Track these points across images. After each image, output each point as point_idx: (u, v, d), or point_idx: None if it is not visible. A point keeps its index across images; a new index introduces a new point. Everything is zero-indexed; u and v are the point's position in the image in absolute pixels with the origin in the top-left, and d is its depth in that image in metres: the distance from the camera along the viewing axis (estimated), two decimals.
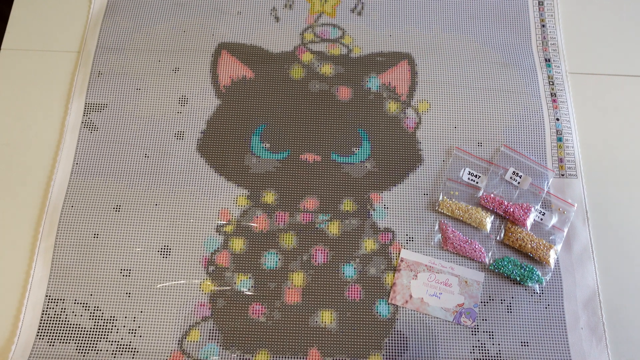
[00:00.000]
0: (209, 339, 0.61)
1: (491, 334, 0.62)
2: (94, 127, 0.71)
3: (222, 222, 0.66)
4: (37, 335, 0.60)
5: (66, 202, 0.67)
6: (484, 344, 0.61)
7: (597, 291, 0.64)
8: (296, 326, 0.62)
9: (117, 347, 0.60)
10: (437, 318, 0.62)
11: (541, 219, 0.66)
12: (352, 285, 0.64)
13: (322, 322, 0.62)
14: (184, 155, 0.70)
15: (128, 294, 0.63)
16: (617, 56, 0.78)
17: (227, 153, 0.70)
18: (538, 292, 0.64)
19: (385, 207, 0.67)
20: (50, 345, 0.60)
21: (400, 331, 0.62)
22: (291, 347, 0.61)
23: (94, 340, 0.60)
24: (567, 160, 0.70)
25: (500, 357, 0.61)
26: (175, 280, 0.63)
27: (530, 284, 0.63)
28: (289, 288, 0.63)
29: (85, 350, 0.60)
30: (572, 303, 0.63)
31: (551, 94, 0.74)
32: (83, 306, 0.62)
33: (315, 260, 0.65)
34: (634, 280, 0.65)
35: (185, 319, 0.62)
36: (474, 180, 0.68)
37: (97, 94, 0.73)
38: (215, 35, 0.77)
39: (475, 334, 0.62)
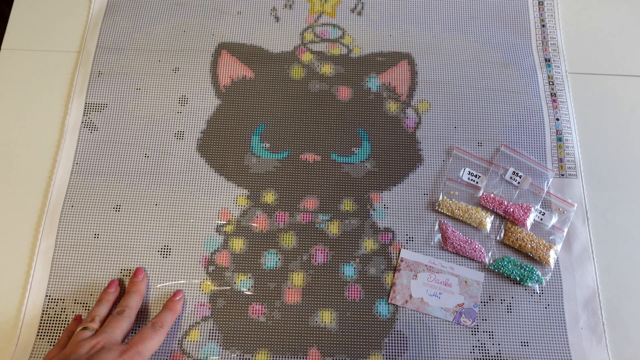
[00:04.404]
0: (209, 338, 0.61)
1: (491, 334, 0.62)
2: (94, 127, 0.71)
3: (222, 222, 0.66)
4: (37, 335, 0.60)
5: (66, 202, 0.67)
6: (484, 344, 0.61)
7: (597, 291, 0.64)
8: (296, 326, 0.62)
9: None
10: (437, 318, 0.62)
11: (541, 219, 0.66)
12: (352, 285, 0.63)
13: (322, 322, 0.62)
14: (184, 155, 0.70)
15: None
16: (617, 56, 0.78)
17: (227, 153, 0.70)
18: (538, 292, 0.64)
19: (385, 207, 0.67)
20: (50, 345, 0.60)
21: (400, 331, 0.62)
22: (291, 347, 0.61)
23: None
24: (567, 160, 0.70)
25: (500, 357, 0.61)
26: (175, 280, 0.63)
27: (530, 284, 0.63)
28: (289, 288, 0.63)
29: None
30: (572, 303, 0.63)
31: (551, 94, 0.74)
32: (83, 306, 0.62)
33: (315, 260, 0.65)
34: (634, 280, 0.65)
35: (185, 319, 0.62)
36: (474, 180, 0.68)
37: (97, 94, 0.73)
38: (215, 35, 0.77)
39: (475, 334, 0.62)
